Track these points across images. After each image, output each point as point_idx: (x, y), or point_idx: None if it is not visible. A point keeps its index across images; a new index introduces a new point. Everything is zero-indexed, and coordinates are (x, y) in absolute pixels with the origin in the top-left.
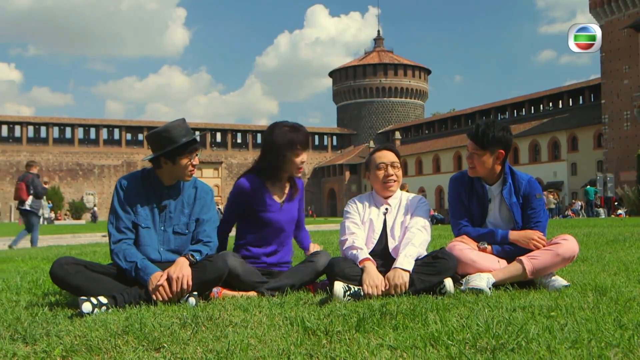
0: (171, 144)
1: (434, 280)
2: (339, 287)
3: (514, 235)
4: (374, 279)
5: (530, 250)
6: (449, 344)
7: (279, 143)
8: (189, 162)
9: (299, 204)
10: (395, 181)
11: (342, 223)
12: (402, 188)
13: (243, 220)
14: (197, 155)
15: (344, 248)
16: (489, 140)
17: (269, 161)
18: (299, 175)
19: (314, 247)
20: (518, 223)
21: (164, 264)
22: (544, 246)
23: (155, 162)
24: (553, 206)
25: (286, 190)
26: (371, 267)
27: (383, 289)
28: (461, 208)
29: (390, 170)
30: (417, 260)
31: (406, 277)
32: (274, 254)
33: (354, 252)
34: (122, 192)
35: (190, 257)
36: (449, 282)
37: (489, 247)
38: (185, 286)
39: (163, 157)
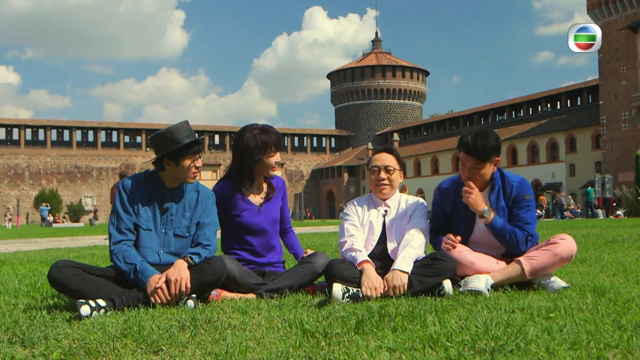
0: (174, 145)
1: (433, 281)
2: (337, 289)
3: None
4: (372, 281)
5: (513, 248)
6: (447, 346)
7: (251, 147)
8: (192, 164)
9: (282, 202)
10: (387, 185)
11: (341, 225)
12: (402, 190)
13: (225, 228)
14: (200, 157)
15: (342, 250)
16: (489, 151)
17: (242, 165)
18: (273, 175)
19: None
20: None
21: (163, 267)
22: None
23: (159, 163)
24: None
25: (263, 194)
26: (370, 270)
27: (382, 291)
28: (441, 221)
29: (382, 175)
30: (415, 262)
31: (405, 279)
32: (263, 255)
33: (353, 254)
34: (124, 193)
35: (189, 260)
36: (447, 284)
37: (491, 215)
38: (183, 288)
39: (166, 158)
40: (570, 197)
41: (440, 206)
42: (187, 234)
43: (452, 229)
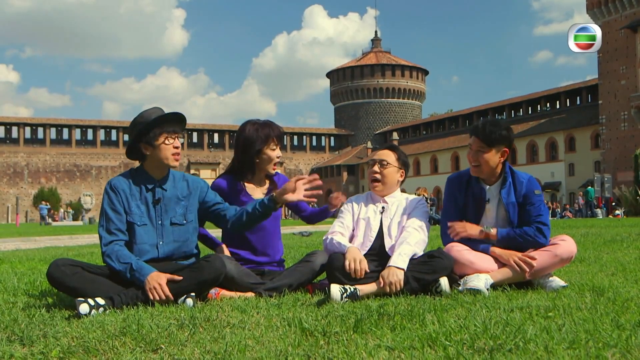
0: (142, 125)
1: (429, 278)
2: (335, 290)
3: (496, 250)
4: (354, 254)
5: (530, 245)
6: (446, 345)
7: (253, 139)
8: (170, 144)
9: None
10: (379, 181)
11: (335, 222)
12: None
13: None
14: (176, 137)
15: (326, 244)
16: (496, 137)
17: (244, 159)
18: (274, 171)
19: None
20: (514, 223)
21: (162, 261)
22: (527, 263)
23: (139, 153)
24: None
25: (265, 190)
26: (354, 248)
27: (381, 285)
28: (454, 210)
29: (375, 168)
30: (413, 259)
31: (400, 275)
32: (262, 254)
33: (338, 247)
34: (112, 194)
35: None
36: (444, 281)
37: (493, 231)
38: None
39: (143, 144)
40: (580, 195)
41: (452, 195)
42: (184, 221)
43: (464, 216)
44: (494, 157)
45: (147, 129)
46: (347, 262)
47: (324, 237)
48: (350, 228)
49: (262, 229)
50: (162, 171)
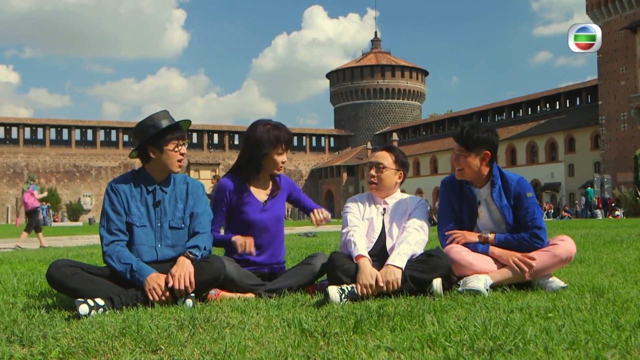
0: (155, 130)
1: (427, 277)
2: (333, 291)
3: (495, 251)
4: (367, 277)
5: (527, 250)
6: (446, 346)
7: (262, 140)
8: (177, 150)
9: (297, 195)
10: (374, 183)
11: (344, 217)
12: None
13: (228, 224)
14: (183, 144)
15: (343, 239)
16: (474, 141)
17: (250, 158)
18: (279, 173)
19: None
20: (510, 225)
21: (161, 263)
22: (526, 264)
23: (144, 155)
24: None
25: (269, 191)
26: (365, 265)
27: (381, 284)
28: (450, 213)
29: (372, 172)
30: (412, 258)
31: (398, 274)
32: (263, 254)
33: (352, 246)
34: (113, 194)
35: (190, 255)
36: (437, 283)
37: (491, 236)
38: (187, 283)
39: (150, 146)
40: (583, 196)
41: (446, 198)
42: (183, 225)
43: (459, 217)
44: (474, 161)
45: (160, 135)
46: (358, 287)
47: (342, 231)
48: (361, 220)
49: (265, 231)
50: (164, 174)
